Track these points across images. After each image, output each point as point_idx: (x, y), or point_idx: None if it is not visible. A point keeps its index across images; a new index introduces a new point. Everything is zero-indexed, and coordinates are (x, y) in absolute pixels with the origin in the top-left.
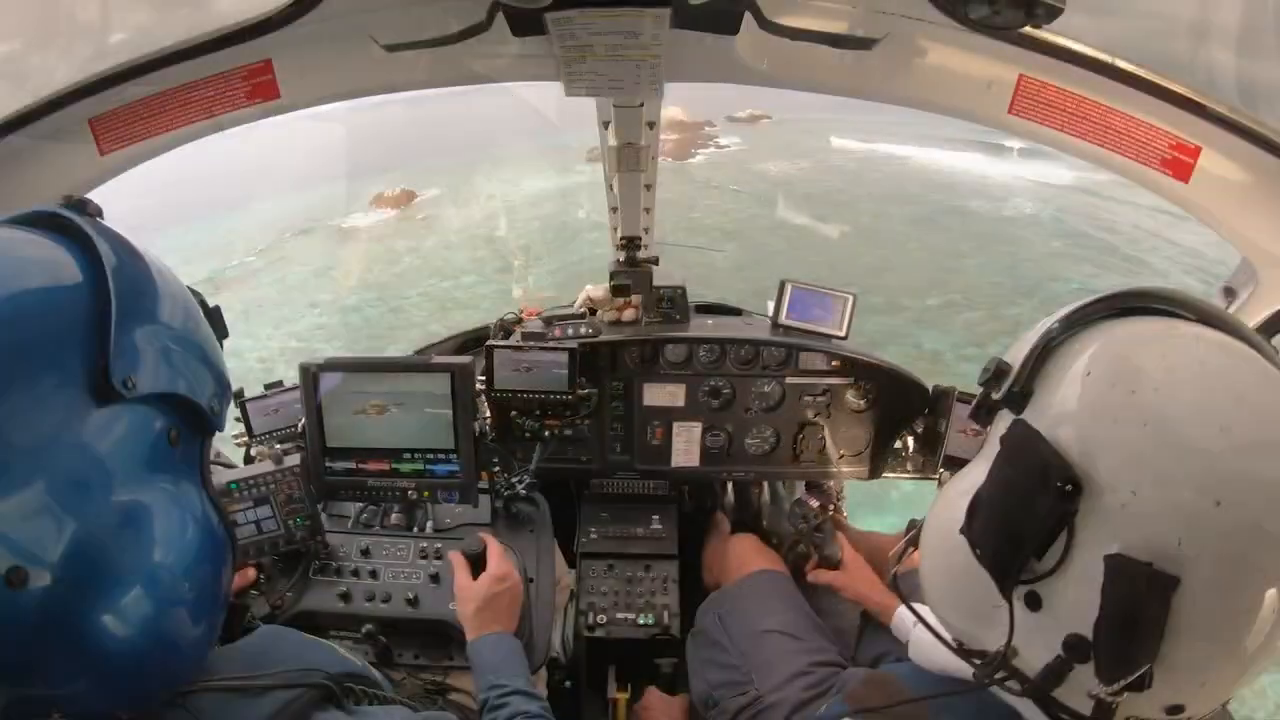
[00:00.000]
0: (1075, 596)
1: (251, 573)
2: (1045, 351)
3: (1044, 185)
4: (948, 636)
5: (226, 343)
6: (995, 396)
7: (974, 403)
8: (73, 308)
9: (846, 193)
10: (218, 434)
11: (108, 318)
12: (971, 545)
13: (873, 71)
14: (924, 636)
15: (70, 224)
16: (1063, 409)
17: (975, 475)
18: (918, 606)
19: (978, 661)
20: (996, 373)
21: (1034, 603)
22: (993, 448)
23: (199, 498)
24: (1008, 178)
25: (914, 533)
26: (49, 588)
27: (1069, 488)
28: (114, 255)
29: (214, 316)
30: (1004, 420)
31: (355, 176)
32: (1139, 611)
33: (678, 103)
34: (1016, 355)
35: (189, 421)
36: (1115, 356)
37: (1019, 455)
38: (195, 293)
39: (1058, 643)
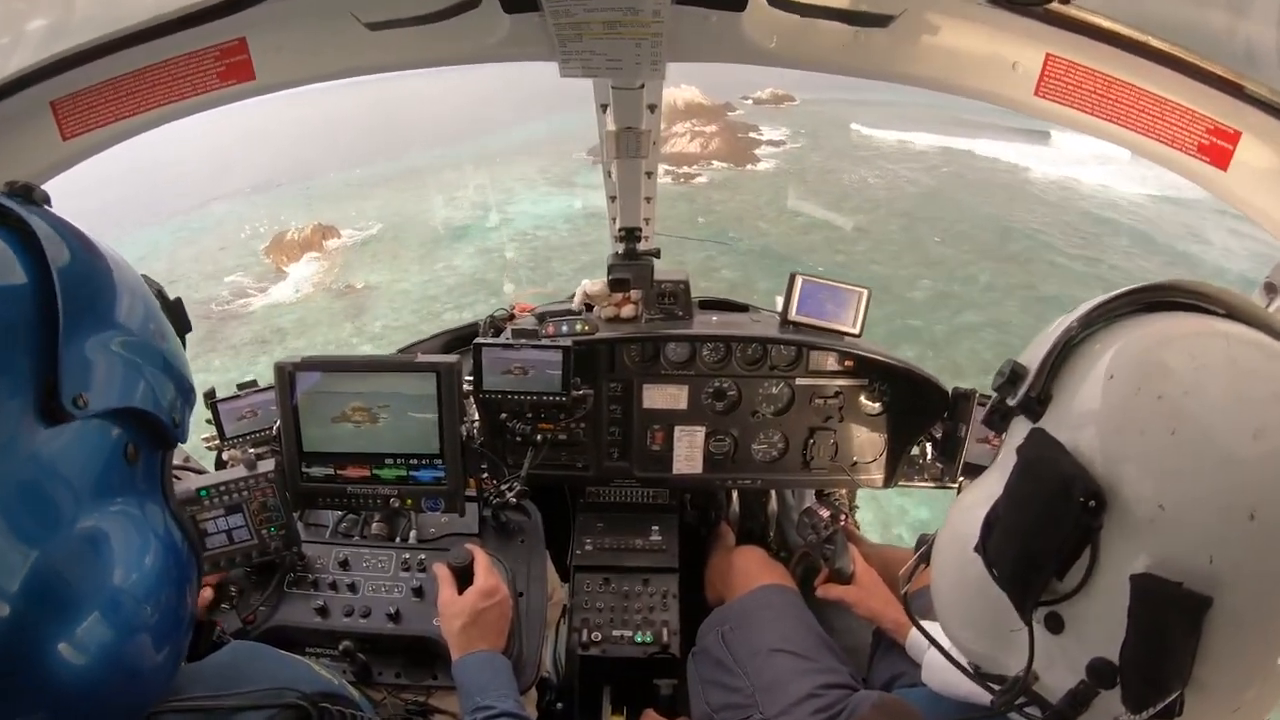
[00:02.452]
0: (1100, 618)
1: (209, 593)
2: (1064, 353)
3: (1175, 205)
4: (962, 659)
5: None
6: (1010, 403)
7: (987, 408)
8: (14, 314)
9: (1022, 244)
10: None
11: (54, 325)
12: (988, 565)
13: (889, 51)
14: (939, 659)
15: (11, 215)
16: (1083, 416)
17: (990, 486)
18: (930, 626)
19: (996, 687)
20: (1011, 376)
21: (1055, 625)
22: (1009, 457)
23: (160, 515)
24: (1142, 197)
25: (925, 548)
26: (2, 620)
27: (1092, 503)
28: (62, 250)
29: (175, 311)
30: (1020, 428)
31: (266, 191)
32: (1168, 635)
33: (692, 83)
34: (1034, 357)
35: (148, 435)
36: (1140, 357)
37: (1037, 468)
38: (152, 282)
39: (1082, 667)
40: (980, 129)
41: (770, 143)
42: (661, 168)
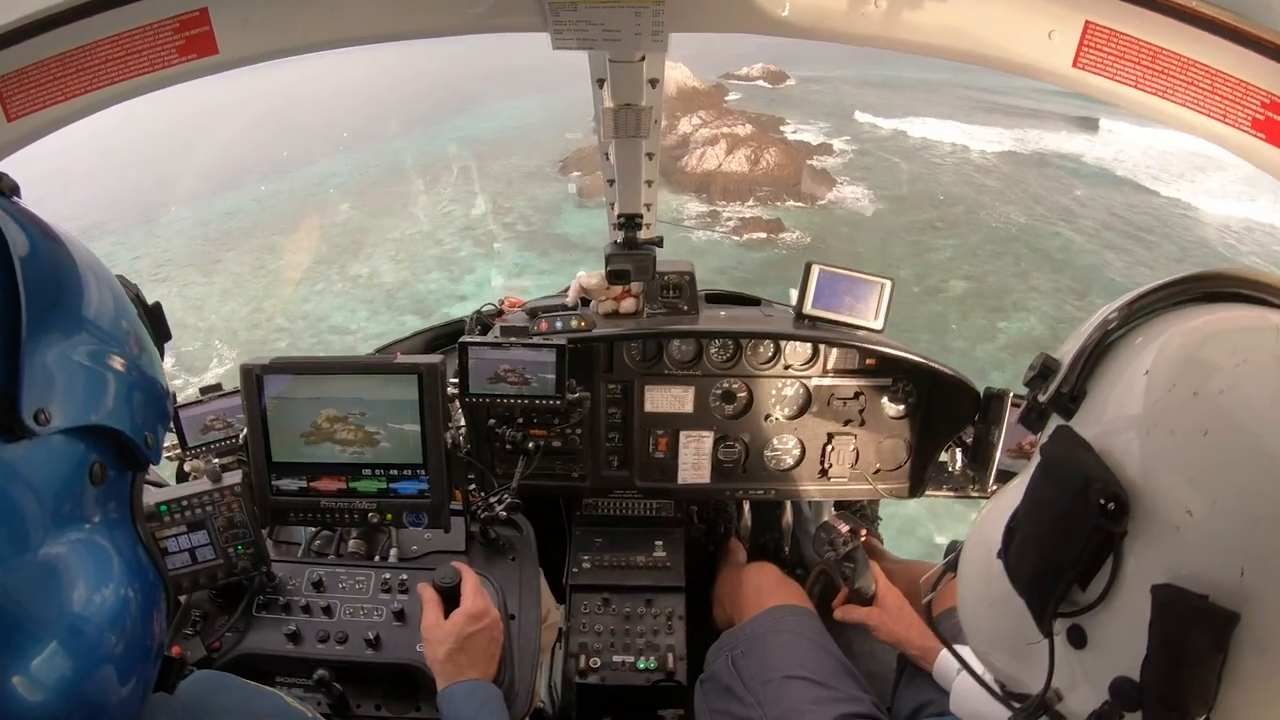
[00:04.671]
0: (1124, 633)
1: None
2: (1101, 346)
3: None
4: (991, 680)
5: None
6: (1041, 399)
7: (1023, 406)
8: None
9: None
10: None
11: (16, 330)
12: (1008, 571)
13: (912, 19)
14: (967, 686)
15: None
16: (1116, 414)
17: (1021, 490)
18: (962, 649)
19: (1017, 706)
20: (1042, 371)
21: (1078, 639)
22: (1038, 457)
23: (128, 539)
24: None
25: (953, 556)
26: None
27: (1111, 505)
28: (26, 244)
29: (153, 317)
30: (1054, 426)
31: None
32: (1191, 653)
33: (674, 60)
34: (1070, 350)
35: (116, 455)
36: (1179, 352)
37: (1057, 468)
38: (128, 284)
39: (1105, 686)
40: (1019, 116)
41: (822, 149)
42: (700, 204)
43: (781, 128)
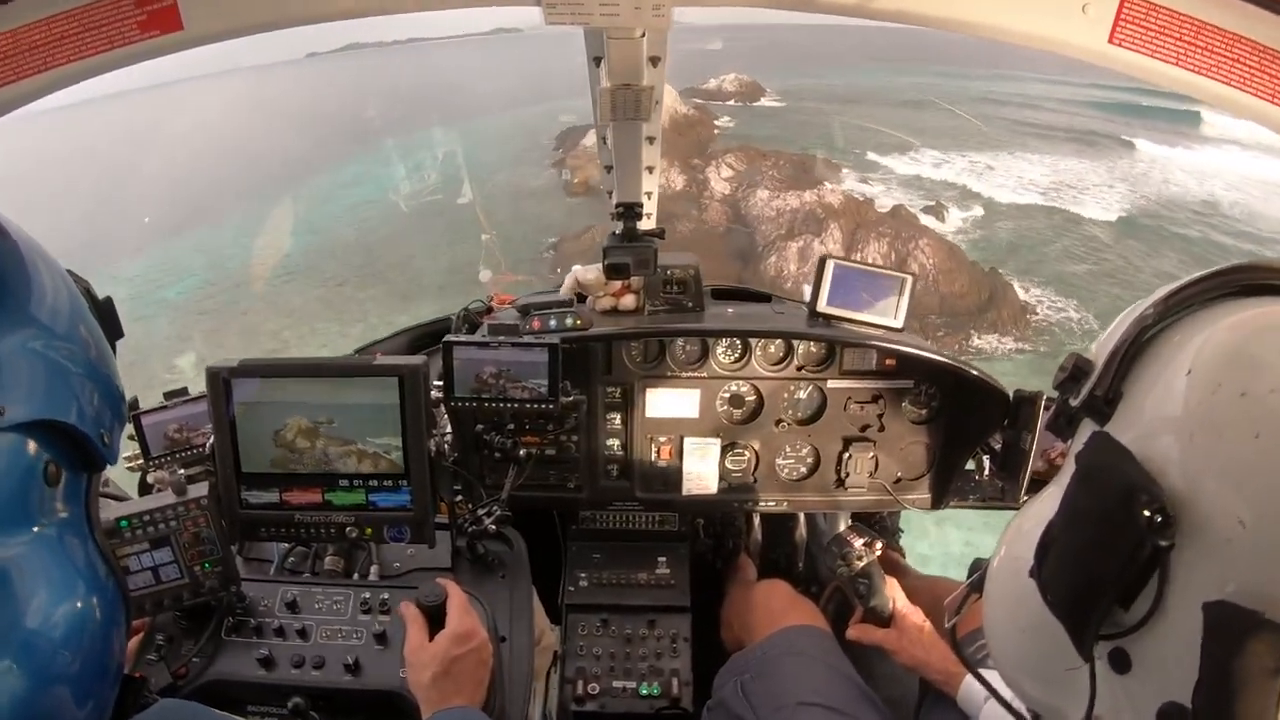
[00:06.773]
0: (1172, 656)
1: (133, 643)
2: (1137, 344)
3: None
4: (1022, 708)
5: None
6: (1073, 403)
7: (1052, 411)
8: None
9: None
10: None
11: None
12: (1042, 592)
13: None
14: (996, 713)
15: None
16: (1156, 418)
17: (1051, 502)
18: (989, 674)
19: None
20: (1074, 372)
21: (1121, 663)
22: (1070, 466)
23: (84, 546)
24: None
25: (977, 575)
26: None
27: (1158, 518)
28: None
29: (104, 311)
30: (1086, 433)
31: None
32: (1247, 674)
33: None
34: (1103, 350)
35: (72, 454)
36: (1223, 349)
37: (1096, 477)
38: (79, 279)
39: (1152, 713)
40: (1061, 141)
41: (928, 209)
42: None
43: (833, 180)
